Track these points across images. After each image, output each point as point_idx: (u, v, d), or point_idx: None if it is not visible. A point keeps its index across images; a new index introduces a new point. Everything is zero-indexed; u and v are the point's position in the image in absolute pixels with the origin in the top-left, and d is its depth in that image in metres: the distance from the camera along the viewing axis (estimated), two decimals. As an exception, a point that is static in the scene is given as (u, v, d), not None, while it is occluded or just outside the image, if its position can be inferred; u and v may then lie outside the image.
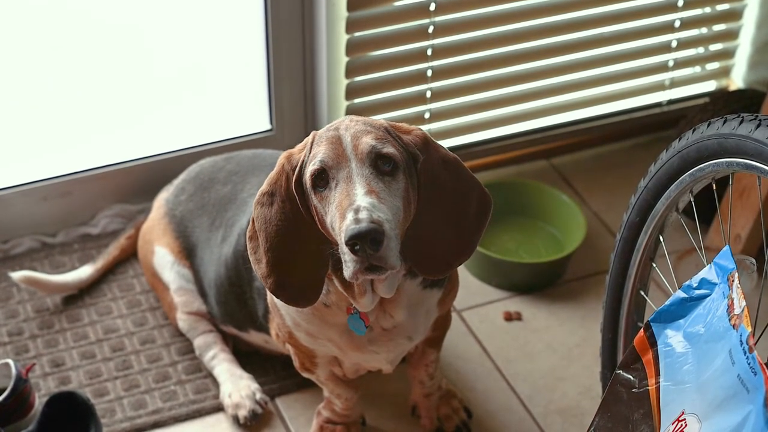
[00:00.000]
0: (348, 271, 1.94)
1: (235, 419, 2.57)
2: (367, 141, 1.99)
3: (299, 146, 2.10)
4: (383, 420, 2.58)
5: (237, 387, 2.59)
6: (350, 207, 1.92)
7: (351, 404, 2.46)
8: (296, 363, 2.40)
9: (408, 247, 2.02)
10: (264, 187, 2.10)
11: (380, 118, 3.00)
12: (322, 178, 2.00)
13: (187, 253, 2.64)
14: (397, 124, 2.10)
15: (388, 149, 2.00)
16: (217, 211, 2.58)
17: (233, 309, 2.54)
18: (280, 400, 2.62)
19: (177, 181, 2.75)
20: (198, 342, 2.67)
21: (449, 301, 2.34)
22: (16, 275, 2.74)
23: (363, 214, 1.89)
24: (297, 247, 2.07)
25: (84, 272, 2.84)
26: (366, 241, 1.89)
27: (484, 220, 2.12)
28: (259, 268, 2.11)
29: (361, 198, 1.92)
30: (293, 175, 2.05)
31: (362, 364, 2.36)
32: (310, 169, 2.01)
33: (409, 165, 2.03)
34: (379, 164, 1.99)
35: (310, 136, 2.07)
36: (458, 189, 2.09)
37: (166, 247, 2.67)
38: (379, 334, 2.21)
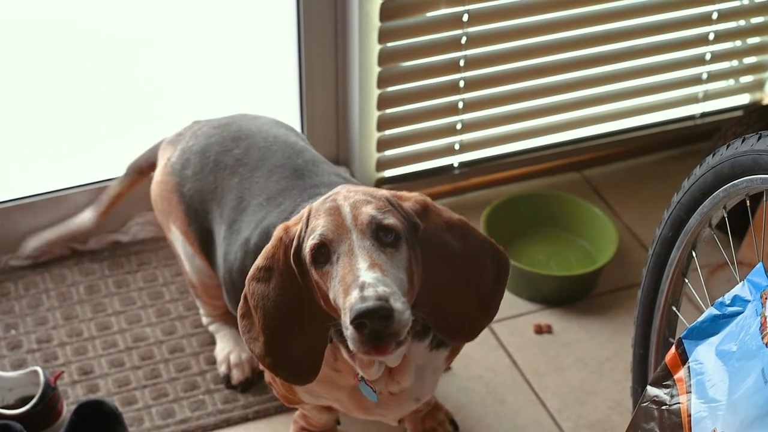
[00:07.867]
0: (352, 347, 1.87)
1: (226, 379, 2.63)
2: (368, 211, 1.91)
3: (295, 219, 2.02)
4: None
5: (241, 350, 2.63)
6: (354, 283, 1.83)
7: (329, 419, 2.44)
8: (280, 396, 2.34)
9: (430, 316, 1.96)
10: (260, 261, 2.00)
11: (413, 127, 3.05)
12: (323, 252, 1.91)
13: (202, 245, 2.50)
14: (398, 192, 2.02)
15: (390, 220, 1.91)
16: (224, 204, 2.42)
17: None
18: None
19: (183, 144, 2.55)
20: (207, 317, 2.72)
21: (455, 355, 2.27)
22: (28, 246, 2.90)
23: (369, 291, 1.80)
24: (296, 324, 1.98)
25: (86, 216, 2.87)
26: (374, 319, 1.80)
27: (502, 280, 2.06)
28: (255, 347, 2.01)
29: (365, 273, 1.83)
30: (291, 247, 1.96)
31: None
32: (309, 244, 1.92)
33: (411, 235, 1.95)
34: (380, 236, 1.90)
35: (306, 209, 1.99)
36: (468, 251, 2.01)
37: (183, 234, 2.53)
38: (386, 398, 2.14)
